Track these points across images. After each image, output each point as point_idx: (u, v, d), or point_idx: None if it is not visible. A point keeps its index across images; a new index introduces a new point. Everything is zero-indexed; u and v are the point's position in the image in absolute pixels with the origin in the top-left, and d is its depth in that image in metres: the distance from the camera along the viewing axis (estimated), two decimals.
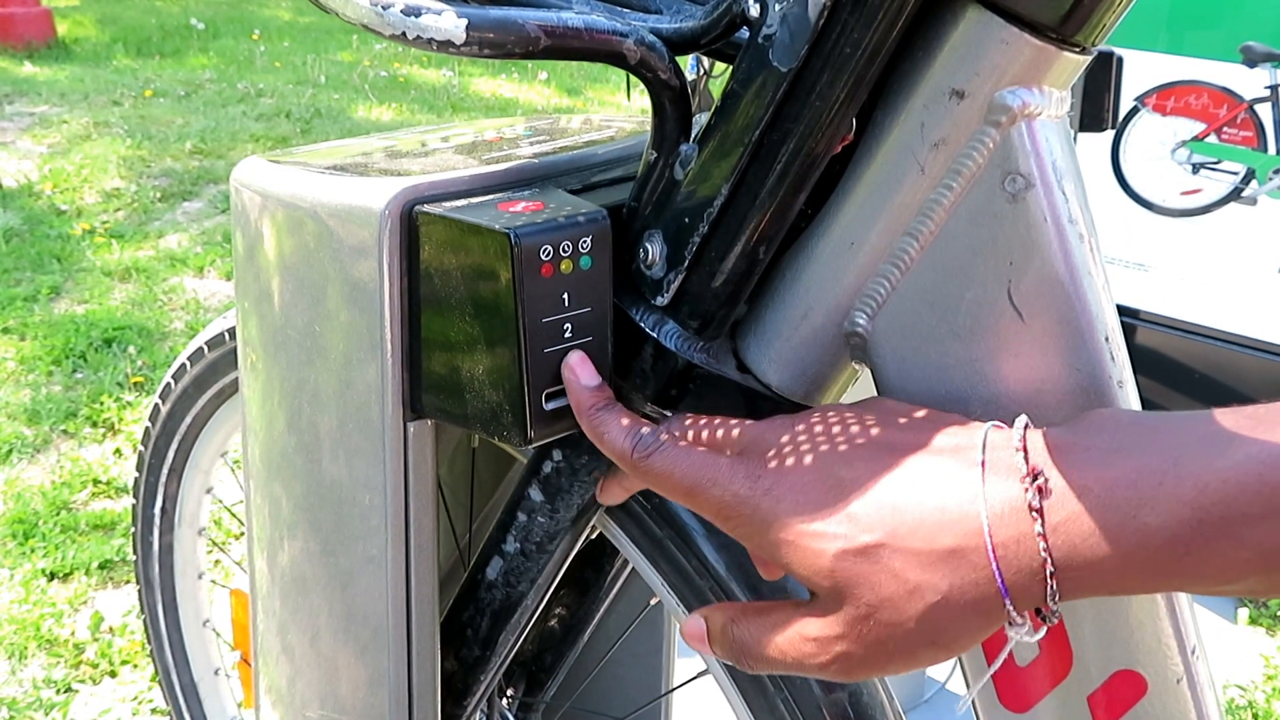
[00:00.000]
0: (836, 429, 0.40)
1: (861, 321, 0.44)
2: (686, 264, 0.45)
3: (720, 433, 0.43)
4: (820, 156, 0.42)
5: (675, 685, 0.82)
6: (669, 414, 0.49)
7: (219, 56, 5.55)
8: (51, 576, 1.76)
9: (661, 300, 0.46)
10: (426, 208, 0.45)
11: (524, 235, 0.42)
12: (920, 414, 0.40)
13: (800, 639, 0.39)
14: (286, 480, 0.57)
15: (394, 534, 0.51)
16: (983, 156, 0.39)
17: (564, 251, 0.43)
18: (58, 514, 1.90)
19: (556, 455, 0.53)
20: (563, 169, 0.51)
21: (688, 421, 0.44)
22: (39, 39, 5.37)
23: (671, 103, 0.43)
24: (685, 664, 0.80)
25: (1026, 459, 0.36)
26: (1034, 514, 0.35)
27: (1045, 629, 0.37)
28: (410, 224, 0.46)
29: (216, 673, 0.99)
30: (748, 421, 0.43)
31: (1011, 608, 0.36)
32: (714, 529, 0.54)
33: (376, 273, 0.46)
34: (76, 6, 6.60)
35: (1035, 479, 0.35)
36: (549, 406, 0.45)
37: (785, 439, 0.40)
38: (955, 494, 0.36)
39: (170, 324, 2.61)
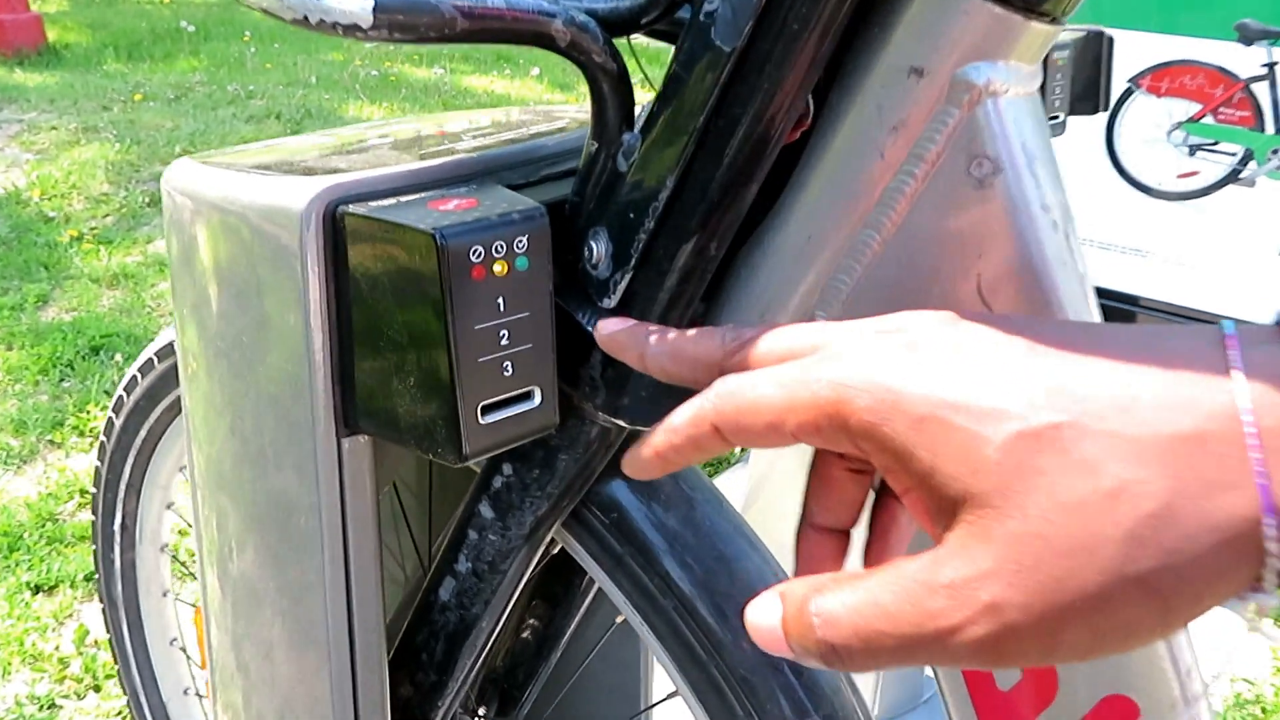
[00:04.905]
0: (991, 321, 0.29)
1: (823, 319, 0.40)
2: (633, 262, 0.42)
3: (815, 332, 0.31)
4: (772, 143, 0.39)
5: (655, 701, 0.79)
6: (622, 424, 0.45)
7: (209, 59, 5.51)
8: (36, 590, 1.73)
9: (609, 302, 0.43)
10: (352, 208, 0.42)
11: (451, 235, 0.38)
12: None
13: (926, 591, 0.25)
14: (232, 492, 0.54)
15: (331, 558, 0.48)
16: (945, 139, 0.36)
17: (497, 252, 0.40)
18: (43, 525, 1.87)
19: (506, 469, 0.50)
20: (506, 163, 0.47)
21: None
22: (29, 45, 5.34)
23: (611, 89, 0.40)
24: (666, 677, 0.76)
25: None
26: None
27: None
28: (335, 225, 0.42)
29: (186, 693, 0.96)
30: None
31: (1275, 534, 0.23)
32: (676, 545, 0.50)
33: (300, 278, 0.43)
34: (66, 11, 6.57)
35: None
36: (486, 420, 0.41)
37: (930, 318, 0.30)
38: (1188, 362, 0.25)
39: (158, 330, 2.58)
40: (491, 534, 0.51)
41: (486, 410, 0.41)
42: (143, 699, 0.94)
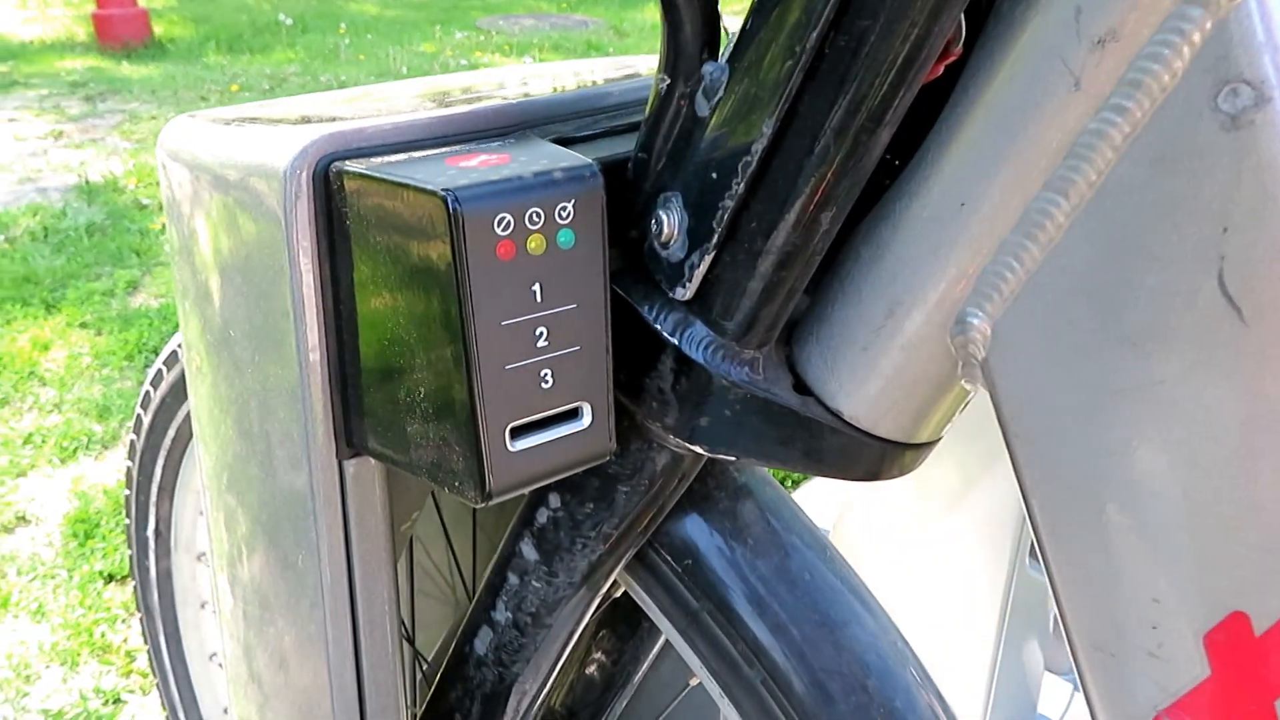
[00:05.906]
0: None
1: (977, 322, 0.29)
2: (716, 240, 0.31)
3: None
4: (912, 72, 0.28)
5: None
6: (699, 451, 0.35)
7: (305, 51, 5.60)
8: (109, 579, 1.71)
9: (683, 292, 0.33)
10: (349, 165, 0.32)
11: (468, 199, 0.28)
12: None
13: None
14: (239, 494, 0.46)
15: (333, 609, 0.38)
16: (1180, 57, 0.24)
17: (531, 222, 0.30)
18: (119, 514, 1.86)
19: (554, 502, 0.40)
20: (556, 113, 0.37)
21: None
22: (136, 39, 5.51)
23: (686, 1, 0.30)
24: None
25: None
26: None
27: None
28: (328, 187, 0.33)
29: (227, 712, 0.89)
30: None
31: None
32: (767, 603, 0.40)
33: (287, 255, 0.33)
34: (173, 6, 6.76)
35: None
36: (517, 447, 0.31)
37: None
38: None
39: None
40: (535, 580, 0.41)
41: (518, 434, 0.31)
42: (181, 716, 0.87)
